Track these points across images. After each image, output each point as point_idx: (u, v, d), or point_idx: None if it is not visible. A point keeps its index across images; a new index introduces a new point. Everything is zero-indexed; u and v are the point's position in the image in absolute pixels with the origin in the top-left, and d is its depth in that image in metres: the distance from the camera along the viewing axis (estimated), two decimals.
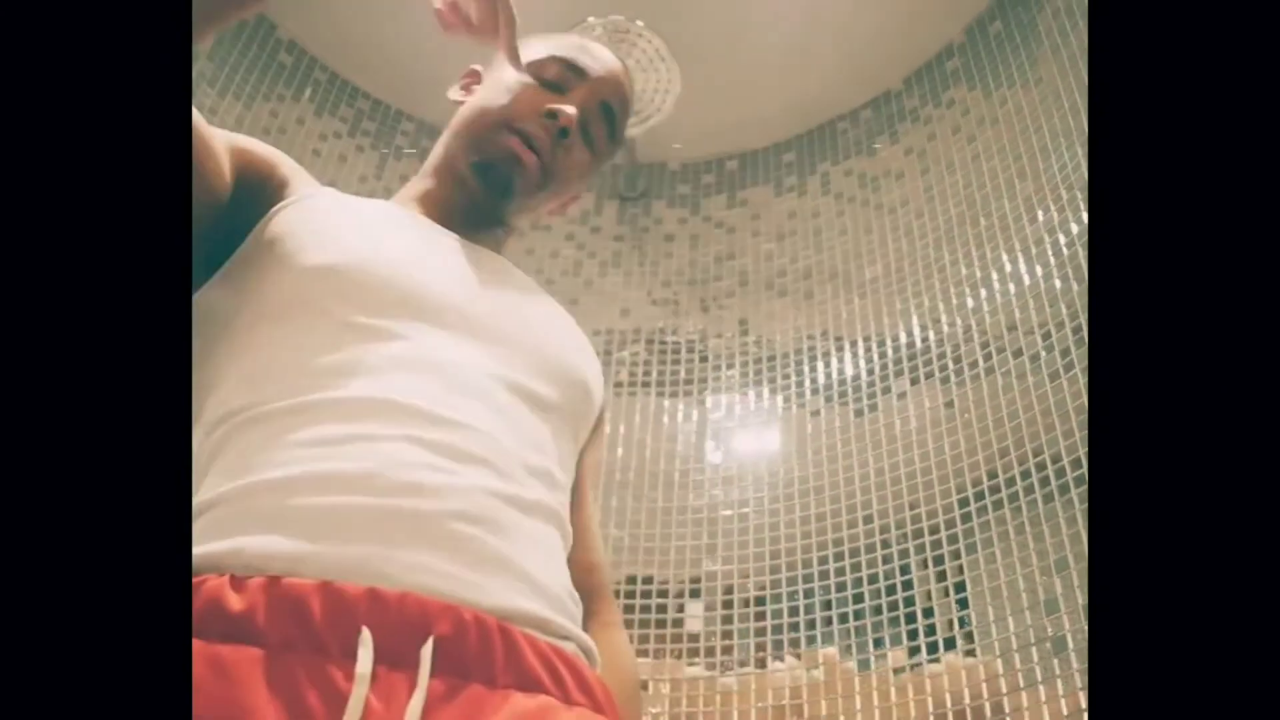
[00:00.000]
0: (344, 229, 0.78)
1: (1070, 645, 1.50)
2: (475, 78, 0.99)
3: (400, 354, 0.70)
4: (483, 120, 0.90)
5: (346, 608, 0.55)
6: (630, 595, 1.94)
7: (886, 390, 2.07)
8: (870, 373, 2.13)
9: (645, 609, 1.93)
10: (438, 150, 0.94)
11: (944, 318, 2.08)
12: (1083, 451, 1.65)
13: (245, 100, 2.30)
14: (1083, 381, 1.71)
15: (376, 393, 0.66)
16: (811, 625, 1.83)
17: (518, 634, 0.60)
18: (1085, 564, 1.55)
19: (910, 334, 2.12)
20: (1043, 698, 1.50)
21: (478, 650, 0.58)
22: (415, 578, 0.58)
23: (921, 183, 2.32)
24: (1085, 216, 1.88)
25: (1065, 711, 1.46)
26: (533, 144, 0.87)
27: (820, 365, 2.21)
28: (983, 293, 2.03)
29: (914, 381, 2.04)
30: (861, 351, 2.18)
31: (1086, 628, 1.49)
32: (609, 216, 2.63)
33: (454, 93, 0.99)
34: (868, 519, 1.90)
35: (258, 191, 0.79)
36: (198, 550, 0.59)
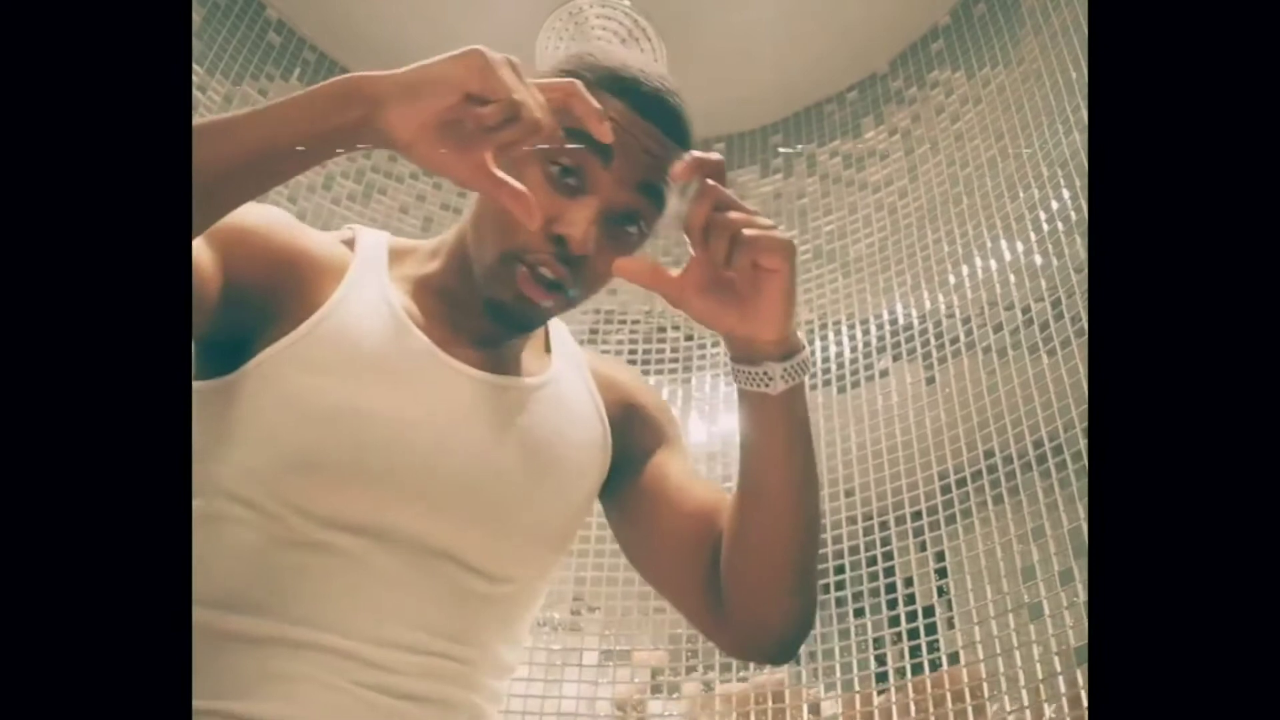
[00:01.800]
0: (329, 396, 0.71)
1: (1046, 612, 1.52)
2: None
3: (352, 580, 0.70)
4: (494, 246, 0.75)
5: None
6: (616, 568, 1.96)
7: (869, 367, 2.09)
8: (854, 350, 2.15)
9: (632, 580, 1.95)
10: (460, 237, 0.82)
11: (926, 295, 2.10)
12: (1060, 423, 1.67)
13: (234, 79, 2.31)
14: (1061, 355, 1.73)
15: (322, 632, 0.68)
16: None
17: None
18: (1062, 533, 1.57)
19: (893, 312, 2.14)
20: (1018, 662, 1.52)
21: None
22: None
23: (906, 163, 2.34)
24: (1066, 194, 1.90)
25: (1041, 674, 1.48)
26: (545, 281, 0.73)
27: (804, 343, 2.23)
28: (964, 270, 2.05)
29: (896, 359, 2.06)
30: (845, 329, 2.20)
31: (1075, 598, 1.51)
32: None
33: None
34: (849, 493, 1.92)
35: (250, 313, 0.73)
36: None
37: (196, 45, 2.24)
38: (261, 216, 0.75)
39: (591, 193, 0.73)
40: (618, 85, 0.75)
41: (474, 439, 0.76)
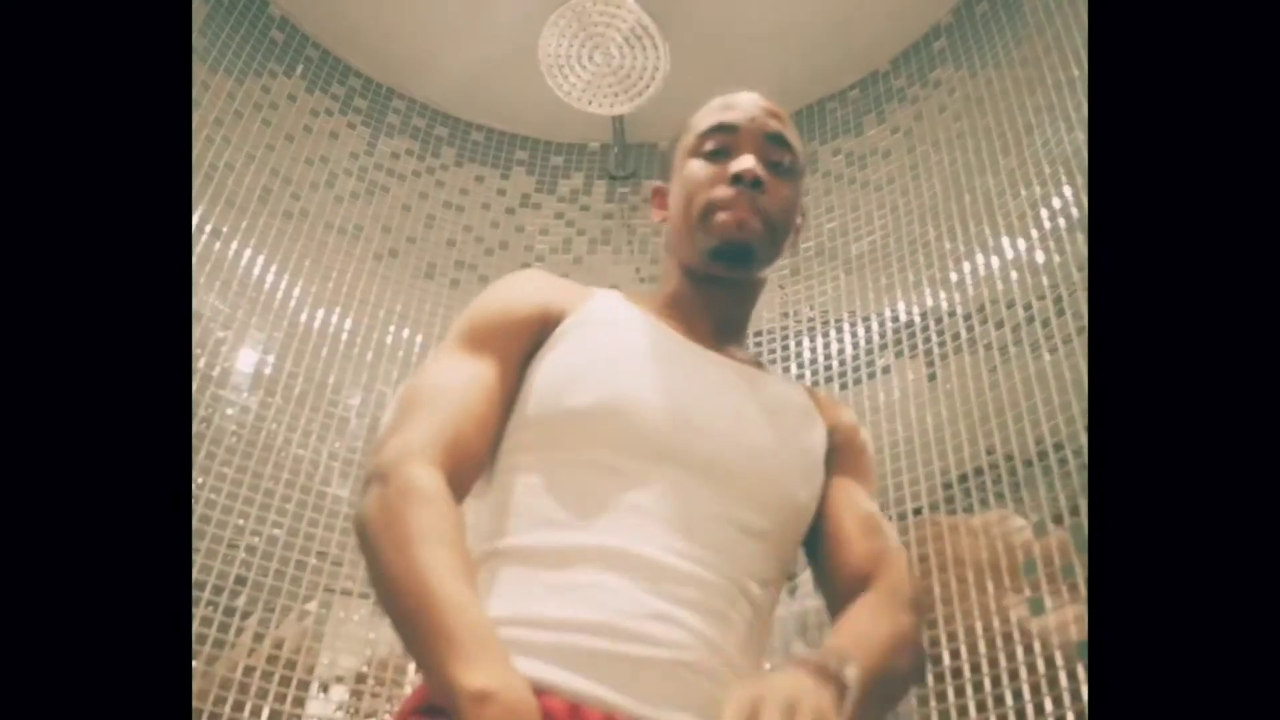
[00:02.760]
0: (599, 366, 0.86)
1: (1048, 607, 1.53)
2: (662, 193, 1.07)
3: (637, 501, 0.80)
4: (690, 217, 0.96)
5: None
6: None
7: (871, 364, 2.10)
8: (855, 347, 2.15)
9: None
10: (668, 265, 1.02)
11: (928, 293, 2.10)
12: (1062, 420, 1.67)
13: (237, 76, 2.31)
14: (1063, 352, 1.74)
15: (616, 542, 0.77)
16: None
17: None
18: (1062, 529, 1.57)
19: (895, 309, 2.14)
20: (1019, 657, 1.52)
21: None
22: (642, 710, 0.71)
23: (908, 161, 2.34)
24: (1068, 191, 1.91)
25: (1041, 670, 1.48)
26: (740, 206, 0.93)
27: (806, 341, 2.24)
28: (966, 267, 2.05)
29: (898, 356, 2.07)
30: (847, 327, 2.20)
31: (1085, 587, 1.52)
32: (598, 195, 2.65)
33: (655, 215, 1.08)
34: None
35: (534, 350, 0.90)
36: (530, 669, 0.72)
37: (200, 42, 2.25)
38: (496, 300, 0.93)
39: (738, 151, 0.96)
40: (720, 98, 1.04)
41: (727, 399, 0.90)
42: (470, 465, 0.81)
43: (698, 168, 0.97)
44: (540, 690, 0.68)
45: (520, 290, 0.93)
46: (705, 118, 1.01)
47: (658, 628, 0.74)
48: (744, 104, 1.01)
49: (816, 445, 0.94)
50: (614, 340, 0.90)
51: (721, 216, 0.93)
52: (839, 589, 0.89)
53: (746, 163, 0.94)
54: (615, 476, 0.81)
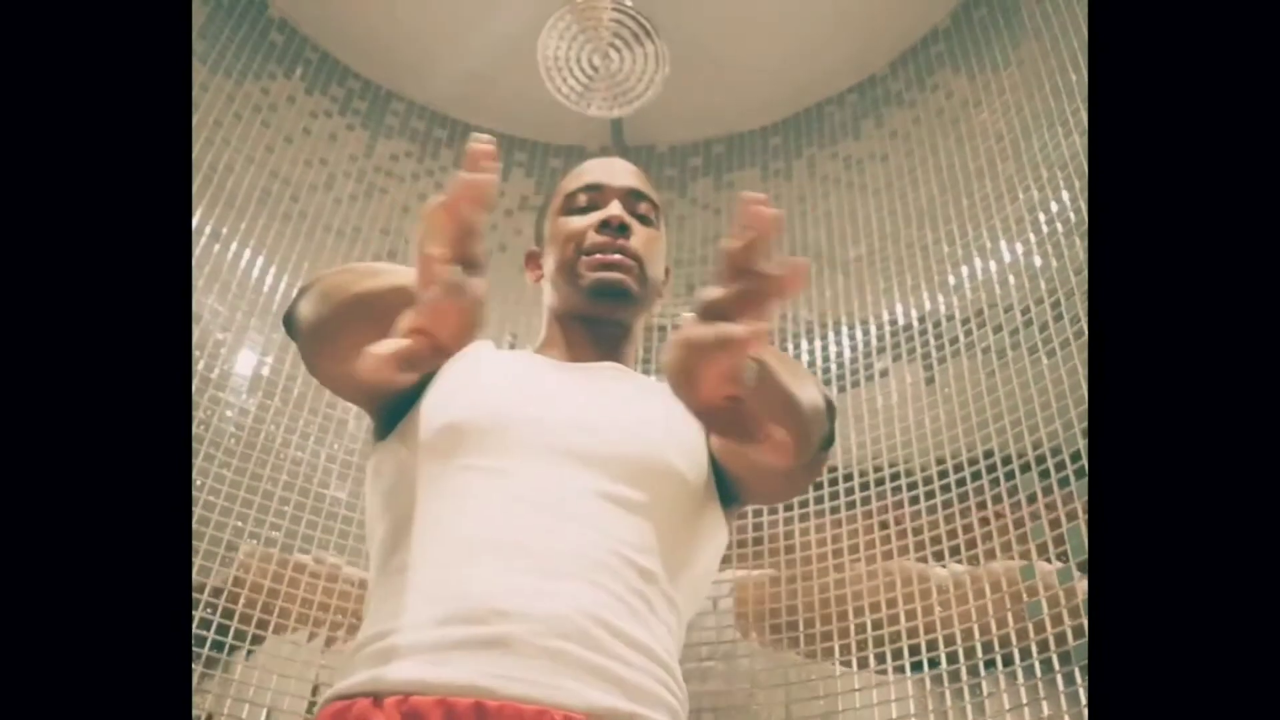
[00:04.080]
0: (467, 388, 0.92)
1: (1044, 611, 1.53)
2: (535, 257, 1.16)
3: (506, 490, 0.84)
4: (565, 266, 1.05)
5: (458, 718, 0.70)
6: None
7: (869, 368, 2.10)
8: (853, 351, 2.15)
9: None
10: (548, 316, 1.10)
11: (926, 296, 2.11)
12: (1060, 424, 1.68)
13: (236, 78, 2.31)
14: (1060, 356, 1.74)
15: (486, 533, 0.81)
16: None
17: None
18: (1059, 532, 1.58)
19: (893, 312, 2.15)
20: (1016, 660, 1.53)
21: None
22: (513, 689, 0.72)
23: (906, 164, 2.35)
24: (1065, 195, 1.91)
25: (1038, 673, 1.49)
26: (610, 250, 1.03)
27: (804, 344, 2.24)
28: (964, 271, 2.06)
29: (896, 359, 2.07)
30: (845, 330, 2.21)
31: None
32: None
33: (530, 277, 1.16)
34: (848, 477, 1.93)
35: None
36: (351, 680, 0.76)
37: (199, 44, 2.25)
38: None
39: (604, 204, 1.06)
40: (587, 159, 1.15)
41: (595, 393, 0.96)
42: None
43: (569, 222, 1.06)
44: (408, 692, 0.71)
45: None
46: (572, 181, 1.11)
47: (530, 604, 0.76)
48: (606, 167, 1.12)
49: (696, 428, 0.94)
50: (471, 366, 0.95)
51: (595, 259, 1.02)
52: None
53: (614, 209, 1.04)
54: (484, 476, 0.85)
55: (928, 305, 2.09)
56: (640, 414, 0.95)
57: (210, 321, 2.01)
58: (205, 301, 2.02)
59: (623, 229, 1.03)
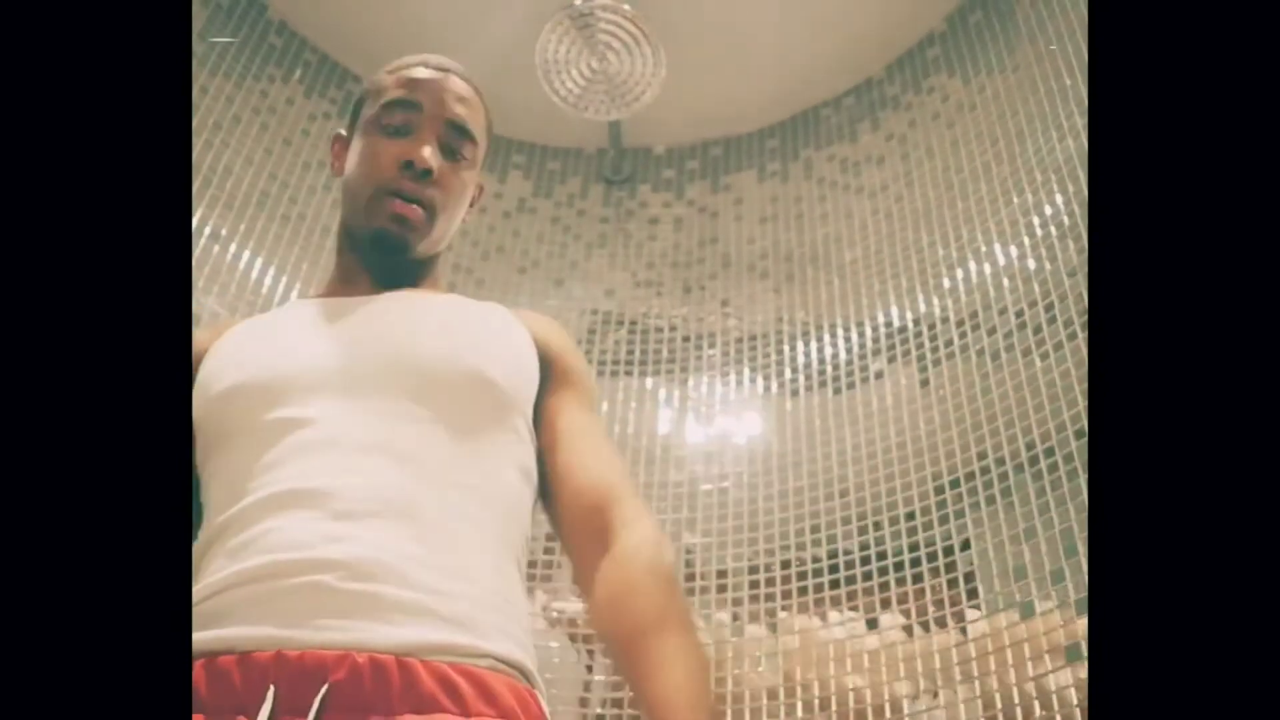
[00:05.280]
0: (236, 353, 0.89)
1: (1037, 610, 1.54)
2: (341, 146, 1.05)
3: (296, 437, 0.80)
4: (359, 191, 0.96)
5: (259, 672, 0.67)
6: None
7: (864, 369, 2.11)
8: (849, 352, 2.17)
9: None
10: (339, 228, 1.03)
11: (921, 299, 2.12)
12: (1053, 426, 1.69)
13: (236, 80, 2.32)
14: (1054, 358, 1.76)
15: (279, 486, 0.77)
16: (788, 595, 1.87)
17: (416, 664, 0.69)
18: (1054, 534, 1.59)
19: (888, 315, 2.16)
20: (1009, 660, 1.54)
21: (373, 686, 0.67)
22: (315, 637, 0.69)
23: (901, 167, 2.36)
24: (1060, 199, 1.92)
25: (1031, 673, 1.50)
26: (408, 197, 0.93)
27: (800, 345, 2.25)
28: (959, 274, 2.07)
29: (891, 361, 2.08)
30: (840, 332, 2.22)
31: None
32: (594, 200, 2.67)
33: (333, 166, 1.07)
34: (843, 494, 1.94)
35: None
36: None
37: (199, 47, 2.26)
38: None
39: (418, 133, 0.95)
40: (412, 63, 1.00)
41: (374, 320, 0.92)
42: None
43: (375, 144, 0.96)
44: (211, 654, 0.69)
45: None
46: (394, 87, 0.98)
47: (333, 550, 0.72)
48: (432, 83, 0.98)
49: (508, 336, 0.94)
50: (243, 332, 0.93)
51: (389, 205, 0.93)
52: (568, 517, 0.88)
53: (423, 153, 0.93)
54: (270, 429, 0.81)
55: (923, 307, 2.10)
56: (435, 329, 0.90)
57: (210, 323, 2.01)
58: (204, 303, 2.02)
59: (426, 174, 0.93)
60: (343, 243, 1.02)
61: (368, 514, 0.75)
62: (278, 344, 0.89)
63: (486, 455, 0.85)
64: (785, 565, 1.90)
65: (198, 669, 0.68)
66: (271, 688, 0.66)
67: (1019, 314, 1.88)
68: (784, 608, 1.85)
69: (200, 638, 0.70)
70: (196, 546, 0.80)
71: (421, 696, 0.67)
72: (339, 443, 0.79)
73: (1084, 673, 1.43)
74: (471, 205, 1.05)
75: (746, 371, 2.27)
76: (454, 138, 0.97)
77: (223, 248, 2.12)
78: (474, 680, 0.70)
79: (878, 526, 1.86)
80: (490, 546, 0.80)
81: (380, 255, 0.96)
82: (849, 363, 2.15)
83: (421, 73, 0.99)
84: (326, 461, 0.78)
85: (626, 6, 2.26)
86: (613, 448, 0.93)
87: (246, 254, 2.16)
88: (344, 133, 1.05)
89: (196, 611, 0.73)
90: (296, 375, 0.84)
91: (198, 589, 0.75)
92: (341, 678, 0.66)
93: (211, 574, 0.75)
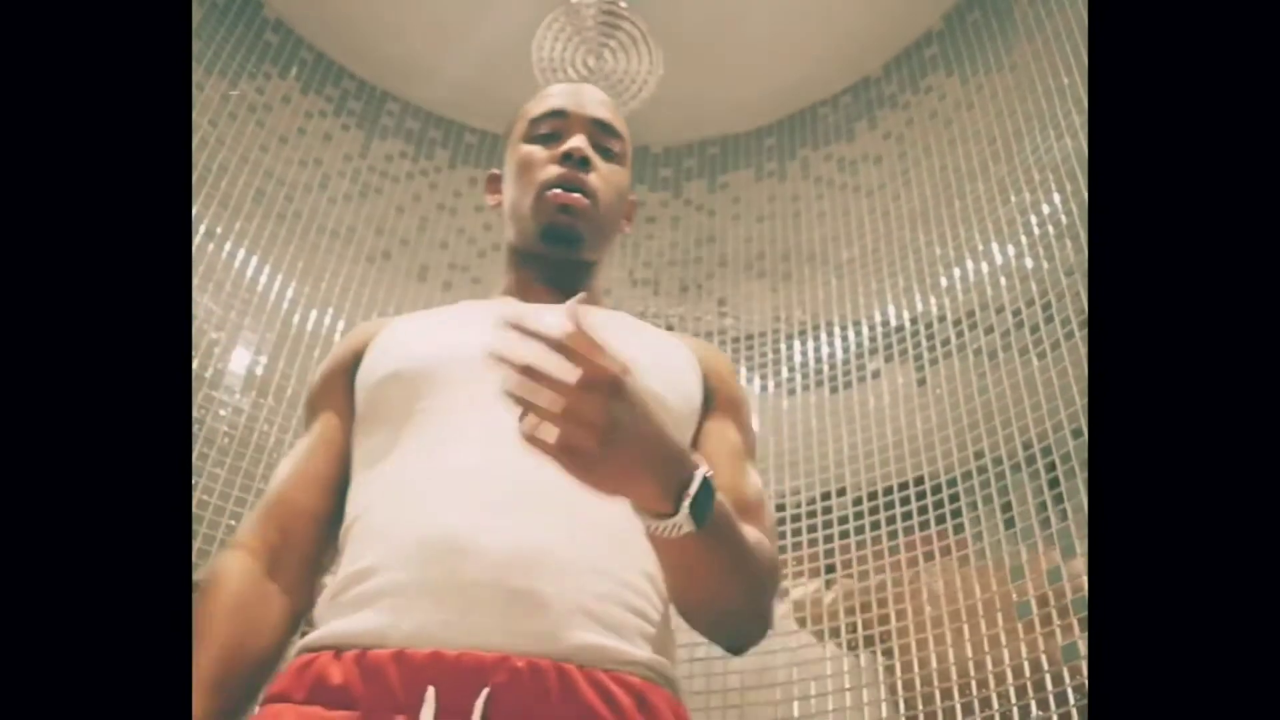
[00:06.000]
0: (396, 345, 0.91)
1: (1034, 611, 1.54)
2: (496, 179, 1.10)
3: (458, 427, 0.80)
4: (522, 199, 0.99)
5: (417, 672, 0.66)
6: None
7: (861, 368, 2.11)
8: (845, 351, 2.16)
9: None
10: (506, 252, 1.05)
11: (918, 298, 2.12)
12: (1050, 424, 1.69)
13: (231, 78, 2.31)
14: (1051, 358, 1.75)
15: (439, 473, 0.77)
16: (785, 594, 1.86)
17: (574, 672, 0.67)
18: (1051, 534, 1.58)
19: (885, 314, 2.16)
20: (1005, 660, 1.54)
21: (532, 692, 0.66)
22: (472, 638, 0.68)
23: (899, 166, 2.36)
24: (1057, 198, 1.92)
25: (1027, 673, 1.50)
26: (569, 186, 0.96)
27: (797, 344, 2.25)
28: (956, 273, 2.07)
29: (888, 360, 2.08)
30: (837, 331, 2.21)
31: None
32: None
33: (489, 200, 1.10)
34: (840, 491, 1.94)
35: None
36: (317, 632, 0.73)
37: (194, 44, 2.25)
38: (322, 364, 0.98)
39: (568, 132, 1.00)
40: (550, 86, 1.07)
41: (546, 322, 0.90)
42: (302, 518, 0.85)
43: (529, 151, 1.00)
44: (366, 645, 0.68)
45: (337, 346, 0.98)
46: (538, 104, 1.04)
47: (489, 540, 0.71)
48: (575, 93, 1.05)
49: (675, 357, 0.93)
50: (406, 324, 0.95)
51: (552, 197, 0.95)
52: None
53: (576, 142, 0.97)
54: (432, 418, 0.81)
55: (920, 307, 2.09)
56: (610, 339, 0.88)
57: (204, 321, 2.01)
58: (199, 300, 2.02)
59: (584, 163, 0.97)
60: (511, 260, 1.03)
61: (521, 507, 0.74)
62: (438, 337, 0.90)
63: None
64: (784, 564, 1.89)
65: (347, 661, 0.68)
66: (432, 689, 0.65)
67: (1016, 313, 1.88)
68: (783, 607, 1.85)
69: (345, 625, 0.71)
70: (343, 529, 0.82)
71: (580, 705, 0.66)
72: (493, 436, 0.77)
73: (1080, 675, 1.43)
74: (628, 220, 1.08)
75: (743, 370, 2.27)
76: (601, 135, 1.01)
77: (217, 245, 2.12)
78: (631, 691, 0.69)
79: (875, 526, 1.85)
80: (645, 554, 0.77)
81: (552, 247, 0.97)
82: (846, 362, 2.14)
83: (560, 87, 1.06)
84: (486, 453, 0.77)
85: (623, 5, 2.25)
86: (757, 477, 0.92)
87: (241, 252, 2.15)
88: (496, 170, 1.10)
89: (347, 595, 0.73)
90: (454, 367, 0.85)
91: (343, 572, 0.76)
92: (500, 682, 0.66)
93: (357, 559, 0.75)
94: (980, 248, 2.04)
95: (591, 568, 0.73)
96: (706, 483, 0.66)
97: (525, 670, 0.66)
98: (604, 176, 0.99)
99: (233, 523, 1.80)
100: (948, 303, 2.04)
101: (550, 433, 0.61)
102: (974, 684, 1.56)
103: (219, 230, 2.13)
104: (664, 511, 0.65)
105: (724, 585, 0.73)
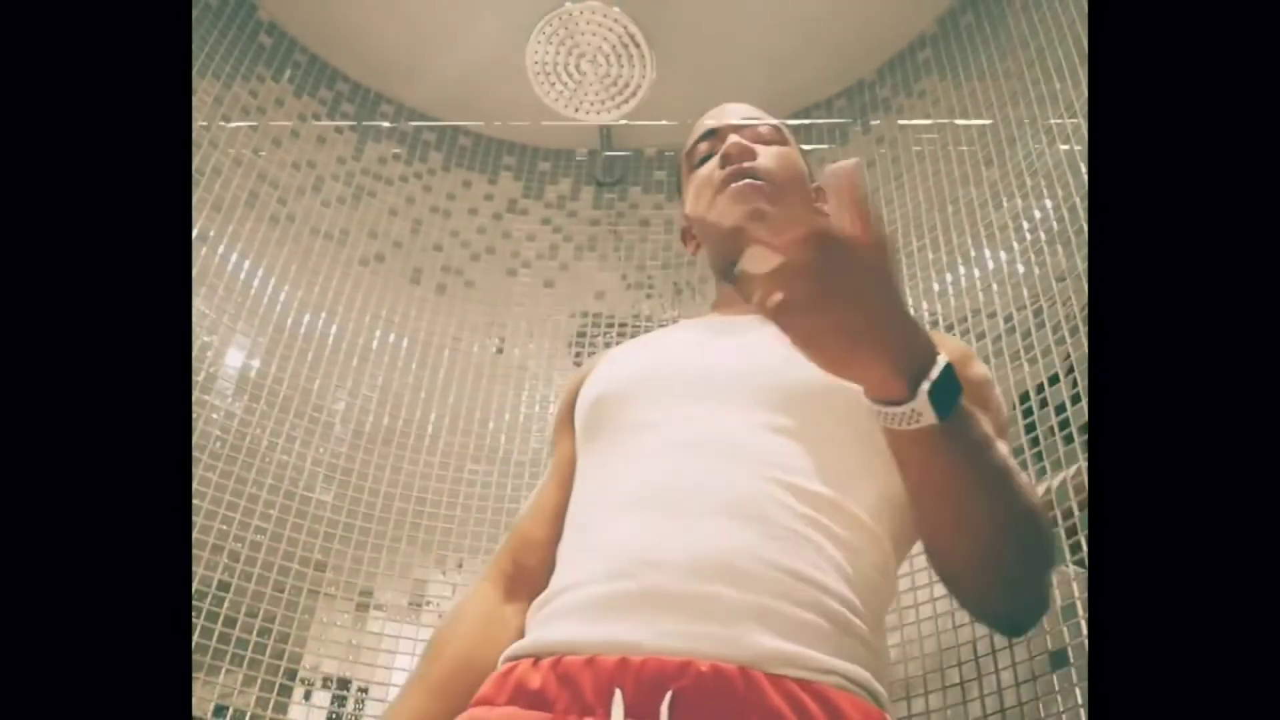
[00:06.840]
0: (614, 365, 0.97)
1: None
2: (688, 228, 1.15)
3: (651, 440, 0.84)
4: (706, 218, 1.04)
5: (606, 677, 0.68)
6: None
7: None
8: None
9: None
10: (712, 270, 1.12)
11: (910, 302, 2.12)
12: (1040, 431, 1.69)
13: (225, 80, 2.31)
14: (1043, 364, 1.75)
15: (634, 485, 0.81)
16: None
17: (760, 678, 0.67)
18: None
19: None
20: (1003, 663, 1.54)
21: (716, 697, 0.66)
22: (658, 643, 0.69)
23: (892, 171, 2.36)
24: (1049, 203, 1.92)
25: (1023, 676, 1.50)
26: (739, 176, 1.01)
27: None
28: (948, 278, 2.07)
29: None
30: None
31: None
32: (585, 201, 2.66)
33: (689, 249, 1.17)
34: None
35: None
36: (521, 643, 0.78)
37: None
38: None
39: (722, 142, 1.06)
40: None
41: (743, 336, 0.93)
42: (534, 548, 0.92)
43: (697, 174, 1.07)
44: (562, 652, 0.72)
45: (569, 378, 1.06)
46: (690, 137, 1.12)
47: (675, 548, 0.73)
48: (717, 113, 1.13)
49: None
50: (622, 350, 1.01)
51: (728, 196, 1.00)
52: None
53: (726, 148, 1.03)
54: (630, 432, 0.86)
55: (912, 311, 2.09)
56: (781, 350, 0.85)
57: (196, 324, 2.01)
58: (193, 304, 2.02)
59: (743, 152, 1.03)
60: (717, 281, 1.10)
61: (713, 512, 0.75)
62: (648, 354, 0.96)
63: (859, 467, 0.81)
64: None
65: (544, 667, 0.72)
66: (618, 691, 0.67)
67: (1008, 318, 1.88)
68: None
69: (544, 634, 0.75)
70: (561, 543, 0.87)
71: (767, 713, 0.65)
72: (689, 446, 0.81)
73: (1072, 678, 1.43)
74: (821, 193, 1.10)
75: None
76: (754, 130, 1.08)
77: (210, 248, 2.11)
78: (822, 700, 0.67)
79: None
80: (840, 555, 0.76)
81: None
82: None
83: (705, 116, 1.14)
84: (677, 463, 0.80)
85: (617, 9, 2.25)
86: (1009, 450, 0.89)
87: (234, 255, 2.15)
88: (684, 220, 1.15)
89: (549, 607, 0.78)
90: (657, 381, 0.89)
91: (548, 589, 0.81)
92: (685, 685, 0.66)
93: (559, 576, 0.81)
94: (973, 253, 2.04)
95: (780, 573, 0.72)
96: (949, 368, 0.63)
97: (709, 674, 0.67)
98: (770, 157, 1.04)
99: (225, 527, 1.80)
100: (940, 308, 2.05)
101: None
102: None
103: (212, 233, 2.13)
104: (899, 397, 0.62)
105: (981, 513, 0.68)
